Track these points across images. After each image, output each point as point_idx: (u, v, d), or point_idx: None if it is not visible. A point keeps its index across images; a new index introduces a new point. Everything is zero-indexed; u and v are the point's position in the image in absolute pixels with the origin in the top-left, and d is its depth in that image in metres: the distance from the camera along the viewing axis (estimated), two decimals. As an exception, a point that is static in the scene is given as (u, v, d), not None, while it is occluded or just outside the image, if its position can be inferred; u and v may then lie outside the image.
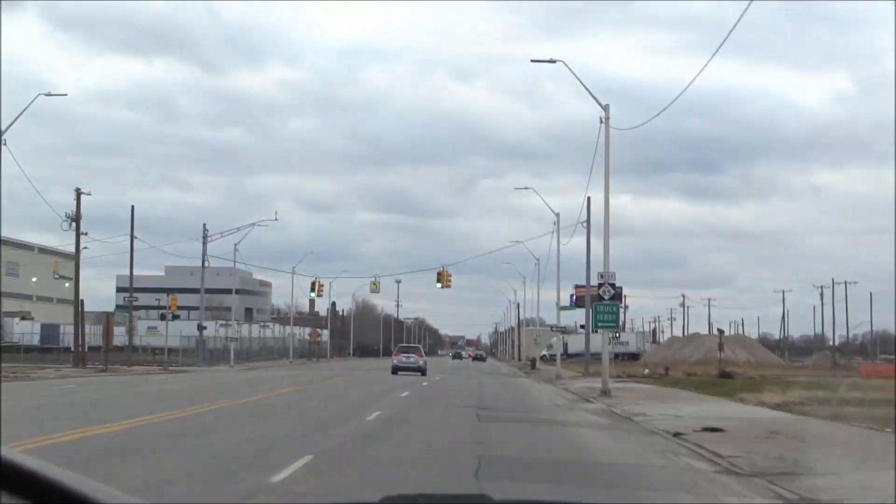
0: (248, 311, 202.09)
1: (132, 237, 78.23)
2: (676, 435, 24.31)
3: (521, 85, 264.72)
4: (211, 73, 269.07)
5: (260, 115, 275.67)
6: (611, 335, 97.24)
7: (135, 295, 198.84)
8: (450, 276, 76.60)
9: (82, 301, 74.92)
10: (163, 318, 77.97)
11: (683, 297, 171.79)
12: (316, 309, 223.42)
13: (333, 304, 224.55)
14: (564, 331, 75.96)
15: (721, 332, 77.93)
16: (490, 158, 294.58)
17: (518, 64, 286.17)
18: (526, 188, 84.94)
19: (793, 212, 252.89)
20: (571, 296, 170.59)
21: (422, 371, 70.56)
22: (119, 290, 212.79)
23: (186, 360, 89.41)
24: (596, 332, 42.21)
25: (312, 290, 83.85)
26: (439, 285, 76.74)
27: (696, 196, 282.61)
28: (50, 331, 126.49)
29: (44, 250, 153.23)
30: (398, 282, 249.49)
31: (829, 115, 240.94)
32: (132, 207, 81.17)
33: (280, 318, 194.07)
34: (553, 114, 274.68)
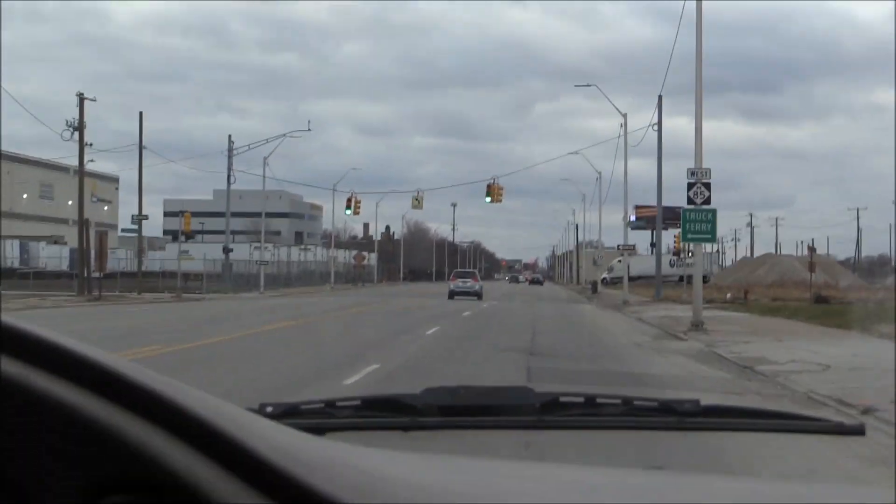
0: (299, 235, 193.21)
1: (140, 147, 68.44)
2: (866, 412, 13.92)
3: (577, 6, 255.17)
4: None
5: (313, 39, 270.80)
6: (688, 252, 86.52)
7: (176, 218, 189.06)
8: (501, 189, 66.35)
9: (87, 220, 65.47)
10: (175, 238, 68.13)
11: (751, 216, 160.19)
12: (370, 233, 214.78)
13: (388, 227, 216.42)
14: (633, 250, 65.28)
15: (812, 249, 66.96)
16: (545, 81, 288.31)
17: None
18: (588, 85, 76.69)
19: (853, 132, 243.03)
20: (632, 217, 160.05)
21: (478, 295, 68.05)
22: (167, 214, 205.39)
23: (213, 286, 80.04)
24: (686, 241, 32.32)
25: (348, 207, 73.64)
26: (489, 199, 66.57)
27: (755, 116, 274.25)
28: (75, 255, 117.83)
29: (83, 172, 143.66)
30: (454, 205, 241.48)
31: (890, 32, 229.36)
32: (140, 114, 71.20)
33: (335, 242, 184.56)
34: (609, 36, 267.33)
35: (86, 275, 63.24)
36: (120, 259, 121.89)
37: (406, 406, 2.81)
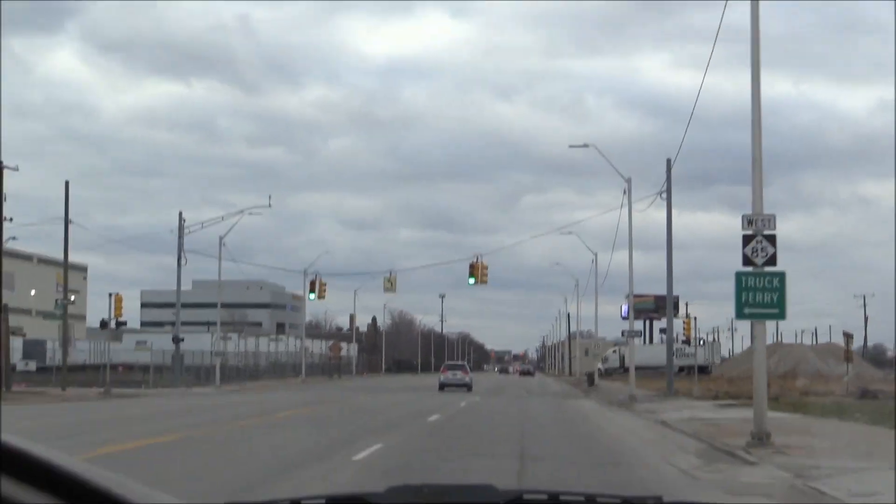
0: (280, 326, 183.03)
1: (66, 221, 58.42)
2: None
3: (563, 100, 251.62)
4: (250, 94, 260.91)
5: (300, 134, 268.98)
6: (699, 339, 76.20)
7: (162, 309, 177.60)
8: (485, 268, 56.33)
9: (6, 306, 55.18)
10: (102, 326, 57.91)
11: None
12: (356, 324, 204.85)
13: (374, 318, 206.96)
14: (637, 335, 55.15)
15: (849, 336, 56.54)
16: (532, 174, 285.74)
17: (559, 80, 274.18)
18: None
19: (841, 223, 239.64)
20: (623, 307, 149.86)
21: (468, 387, 67.28)
22: (144, 305, 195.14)
23: (164, 380, 69.61)
24: (743, 318, 22.07)
25: (312, 290, 63.49)
26: (472, 281, 56.50)
27: (742, 208, 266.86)
28: (34, 347, 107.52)
29: (45, 260, 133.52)
30: (442, 296, 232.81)
31: (875, 126, 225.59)
32: (66, 183, 61.25)
33: (316, 332, 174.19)
34: (595, 128, 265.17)
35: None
36: (81, 352, 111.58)
37: None
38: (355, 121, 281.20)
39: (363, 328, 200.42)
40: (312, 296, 61.89)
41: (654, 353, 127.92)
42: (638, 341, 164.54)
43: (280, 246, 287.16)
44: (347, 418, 31.55)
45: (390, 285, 59.30)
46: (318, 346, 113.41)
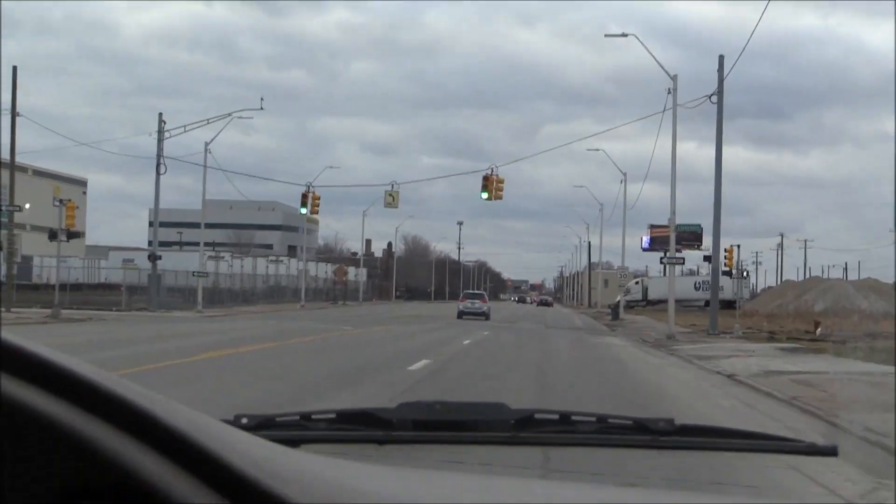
0: (292, 248, 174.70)
1: (13, 110, 49.89)
2: None
3: (586, 29, 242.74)
4: (272, 15, 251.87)
5: (322, 57, 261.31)
6: (743, 271, 67.54)
7: (169, 230, 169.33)
8: (501, 182, 47.53)
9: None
10: (51, 237, 49.42)
11: (781, 236, 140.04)
12: (371, 249, 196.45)
13: (389, 244, 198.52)
14: (678, 258, 46.31)
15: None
16: (554, 103, 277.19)
17: (582, 8, 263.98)
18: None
19: (862, 160, 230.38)
20: (644, 239, 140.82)
21: (486, 316, 65.65)
22: (152, 224, 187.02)
23: (140, 302, 61.46)
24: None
25: (304, 205, 54.72)
26: (485, 195, 47.75)
27: (764, 143, 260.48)
28: (21, 264, 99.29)
29: (41, 172, 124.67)
30: (460, 223, 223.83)
31: None
32: (14, 69, 52.63)
33: (328, 256, 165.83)
34: (618, 59, 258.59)
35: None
36: (72, 268, 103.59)
37: (381, 420, 2.72)
38: (377, 45, 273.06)
39: (378, 254, 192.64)
40: (304, 210, 53.24)
41: (681, 286, 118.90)
42: (658, 272, 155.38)
43: (299, 170, 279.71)
44: (302, 361, 22.87)
45: (392, 199, 50.66)
46: (323, 270, 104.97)
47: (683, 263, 45.10)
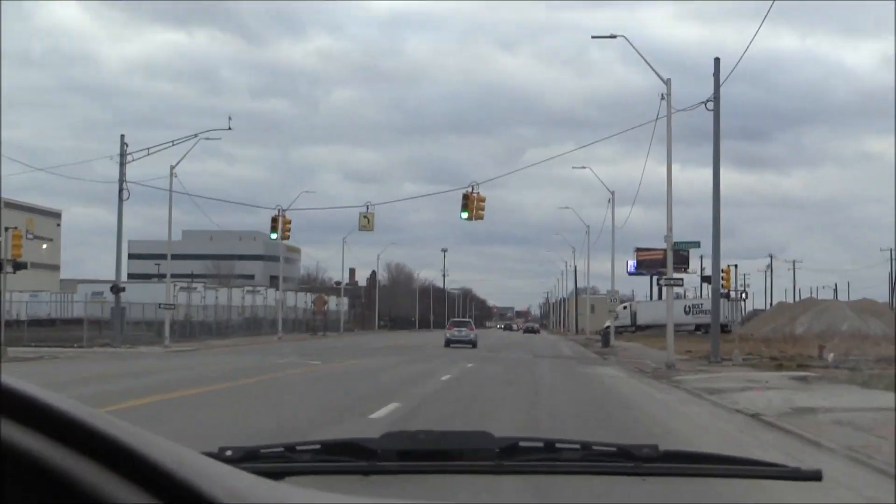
0: (274, 279, 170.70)
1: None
2: None
3: (567, 53, 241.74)
4: (253, 45, 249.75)
5: (304, 85, 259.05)
6: (741, 293, 64.03)
7: (149, 261, 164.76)
8: (481, 200, 43.88)
9: None
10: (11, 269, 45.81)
11: (771, 258, 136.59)
12: (356, 279, 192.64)
13: (373, 272, 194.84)
14: (676, 280, 42.61)
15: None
16: (535, 128, 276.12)
17: (562, 32, 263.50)
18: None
19: (844, 180, 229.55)
20: (630, 263, 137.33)
21: (473, 344, 65.21)
22: (132, 256, 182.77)
23: (106, 337, 57.53)
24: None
25: (274, 230, 50.91)
26: (465, 215, 44.08)
27: (746, 164, 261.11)
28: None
29: (13, 205, 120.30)
30: (444, 250, 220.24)
31: (879, 81, 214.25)
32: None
33: (310, 286, 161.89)
34: (599, 82, 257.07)
35: None
36: (41, 304, 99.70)
37: (365, 450, 2.69)
38: (358, 73, 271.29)
39: (363, 283, 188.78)
40: (274, 235, 49.53)
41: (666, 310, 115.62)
42: (644, 296, 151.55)
43: (282, 199, 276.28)
44: (236, 410, 19.02)
45: (367, 222, 46.97)
46: (303, 301, 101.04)
47: (682, 285, 41.38)
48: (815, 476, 2.81)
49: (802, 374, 33.22)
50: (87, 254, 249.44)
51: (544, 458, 2.72)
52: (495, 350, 60.65)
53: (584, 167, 67.42)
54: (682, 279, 39.63)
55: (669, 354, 39.22)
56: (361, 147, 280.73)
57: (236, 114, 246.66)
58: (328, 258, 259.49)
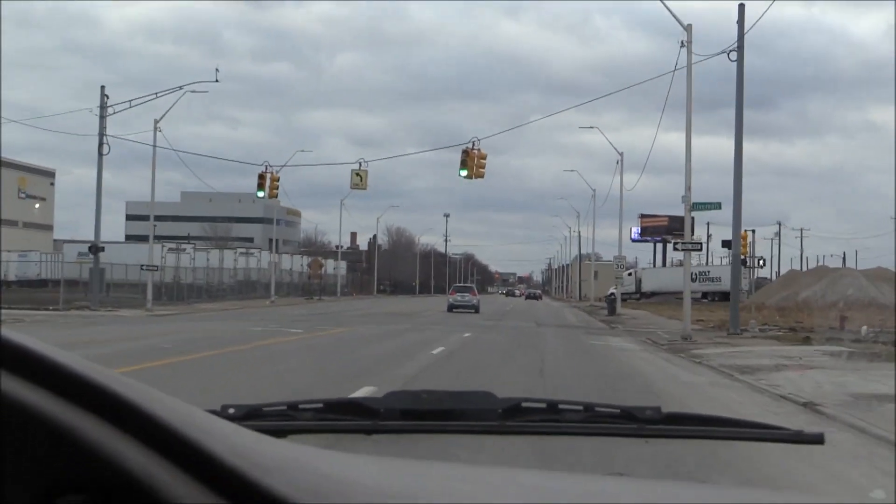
0: (271, 241, 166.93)
1: None
2: None
3: (570, 19, 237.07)
4: (255, 6, 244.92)
5: (307, 49, 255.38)
6: (759, 261, 60.67)
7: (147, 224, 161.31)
8: (482, 158, 40.09)
9: None
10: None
11: (779, 224, 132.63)
12: (357, 243, 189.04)
13: (374, 237, 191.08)
14: (694, 244, 38.30)
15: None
16: (539, 94, 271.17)
17: None
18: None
19: (848, 149, 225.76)
20: (633, 230, 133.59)
21: (476, 309, 64.78)
22: (129, 217, 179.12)
23: (86, 300, 53.93)
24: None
25: (260, 187, 46.93)
26: (465, 173, 40.30)
27: (749, 133, 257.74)
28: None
29: (5, 164, 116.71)
30: (446, 215, 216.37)
31: (885, 51, 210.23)
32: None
33: (311, 250, 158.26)
34: (602, 49, 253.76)
35: None
36: (33, 263, 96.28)
37: (368, 409, 2.68)
38: (362, 37, 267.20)
39: (365, 248, 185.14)
40: (261, 193, 45.68)
41: (674, 278, 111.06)
42: (648, 263, 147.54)
43: (283, 162, 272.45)
44: (195, 379, 15.34)
45: (360, 180, 43.14)
46: (299, 264, 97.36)
47: (700, 250, 37.63)
48: (817, 439, 2.77)
49: (836, 348, 29.57)
50: (86, 215, 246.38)
51: (547, 418, 2.73)
52: (496, 318, 57.04)
53: (591, 127, 63.39)
54: (700, 243, 35.81)
55: (686, 325, 35.56)
56: (365, 111, 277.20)
57: (239, 77, 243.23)
58: (329, 222, 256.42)
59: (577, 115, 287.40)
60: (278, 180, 46.57)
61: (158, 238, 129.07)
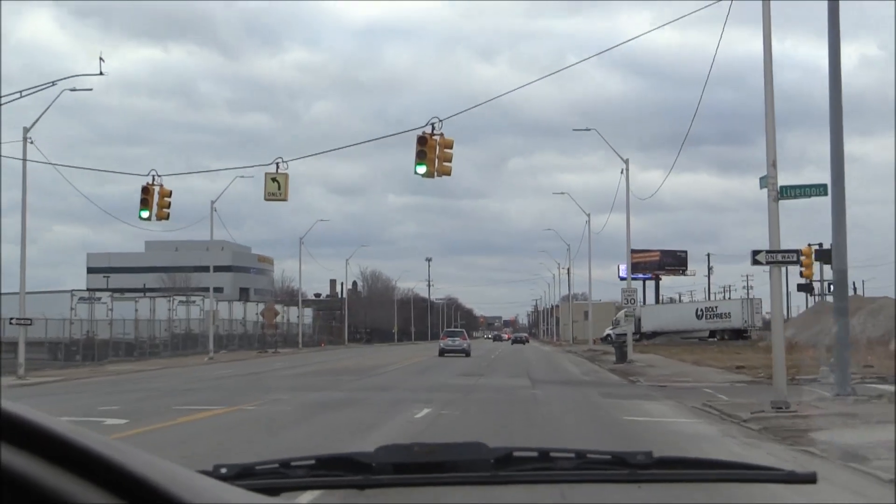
0: (244, 291, 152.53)
1: None
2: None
3: (544, 61, 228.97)
4: (230, 58, 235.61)
5: (283, 99, 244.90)
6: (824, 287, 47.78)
7: (109, 276, 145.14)
8: (448, 147, 26.26)
9: None
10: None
11: (798, 252, 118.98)
12: (335, 290, 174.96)
13: (355, 283, 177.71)
14: (789, 255, 23.71)
15: None
16: (517, 137, 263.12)
17: (540, 39, 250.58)
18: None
19: (825, 183, 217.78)
20: (622, 267, 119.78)
21: (466, 353, 62.83)
22: (90, 270, 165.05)
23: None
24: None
25: (145, 206, 32.86)
26: (422, 169, 26.51)
27: (728, 169, 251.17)
28: None
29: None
30: (428, 260, 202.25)
31: (858, 83, 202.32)
32: None
33: (285, 299, 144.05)
34: (578, 89, 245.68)
35: None
36: None
37: (360, 464, 2.60)
38: (338, 84, 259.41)
39: (301, 291, 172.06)
40: (145, 213, 31.90)
41: (680, 315, 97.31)
42: (638, 303, 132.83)
43: (265, 213, 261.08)
44: None
45: (277, 187, 29.52)
46: (253, 312, 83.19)
47: (797, 262, 23.61)
48: (810, 479, 2.70)
49: None
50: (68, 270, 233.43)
51: (539, 467, 2.64)
52: (475, 371, 43.16)
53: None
54: (796, 253, 21.83)
55: (779, 384, 21.45)
56: (344, 159, 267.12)
57: (217, 129, 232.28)
58: (313, 272, 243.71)
59: (557, 156, 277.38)
60: (169, 195, 32.78)
61: (115, 291, 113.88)
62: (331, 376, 37.97)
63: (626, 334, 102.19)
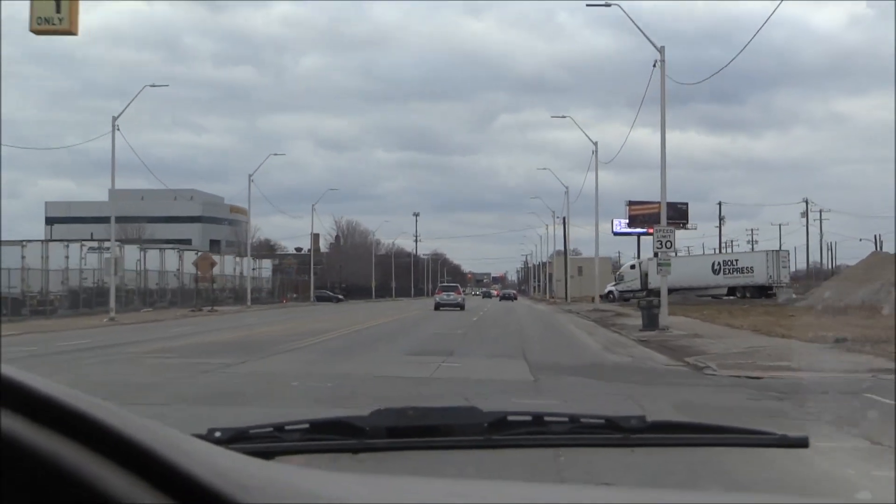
0: (215, 243, 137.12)
1: None
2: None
3: (534, 16, 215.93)
4: (214, 10, 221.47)
5: (270, 53, 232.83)
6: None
7: (70, 225, 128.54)
8: None
9: None
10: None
11: (806, 202, 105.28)
12: (319, 245, 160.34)
13: (317, 235, 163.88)
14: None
15: None
16: (507, 93, 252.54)
17: None
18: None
19: (814, 142, 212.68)
20: (616, 222, 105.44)
21: (461, 307, 63.13)
22: (49, 221, 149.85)
23: None
24: None
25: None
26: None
27: (718, 127, 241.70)
28: None
29: None
30: (416, 214, 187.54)
31: (847, 41, 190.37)
32: None
33: (266, 253, 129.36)
34: (567, 45, 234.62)
35: None
36: None
37: (354, 428, 2.60)
38: (325, 38, 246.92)
39: (325, 249, 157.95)
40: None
41: (695, 270, 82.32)
42: (632, 257, 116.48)
43: (253, 169, 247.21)
44: None
45: (55, 8, 15.52)
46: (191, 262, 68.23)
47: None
48: (803, 443, 2.69)
49: None
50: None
51: (533, 431, 2.63)
52: (438, 350, 28.60)
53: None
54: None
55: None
56: (331, 114, 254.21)
57: (202, 82, 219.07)
58: (303, 227, 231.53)
59: (547, 112, 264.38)
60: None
61: (75, 240, 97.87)
62: (220, 354, 23.34)
63: (623, 290, 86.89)
